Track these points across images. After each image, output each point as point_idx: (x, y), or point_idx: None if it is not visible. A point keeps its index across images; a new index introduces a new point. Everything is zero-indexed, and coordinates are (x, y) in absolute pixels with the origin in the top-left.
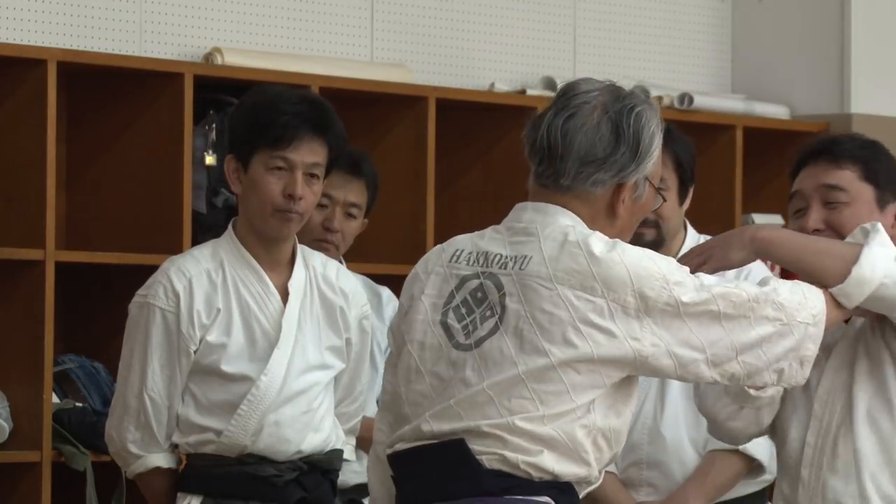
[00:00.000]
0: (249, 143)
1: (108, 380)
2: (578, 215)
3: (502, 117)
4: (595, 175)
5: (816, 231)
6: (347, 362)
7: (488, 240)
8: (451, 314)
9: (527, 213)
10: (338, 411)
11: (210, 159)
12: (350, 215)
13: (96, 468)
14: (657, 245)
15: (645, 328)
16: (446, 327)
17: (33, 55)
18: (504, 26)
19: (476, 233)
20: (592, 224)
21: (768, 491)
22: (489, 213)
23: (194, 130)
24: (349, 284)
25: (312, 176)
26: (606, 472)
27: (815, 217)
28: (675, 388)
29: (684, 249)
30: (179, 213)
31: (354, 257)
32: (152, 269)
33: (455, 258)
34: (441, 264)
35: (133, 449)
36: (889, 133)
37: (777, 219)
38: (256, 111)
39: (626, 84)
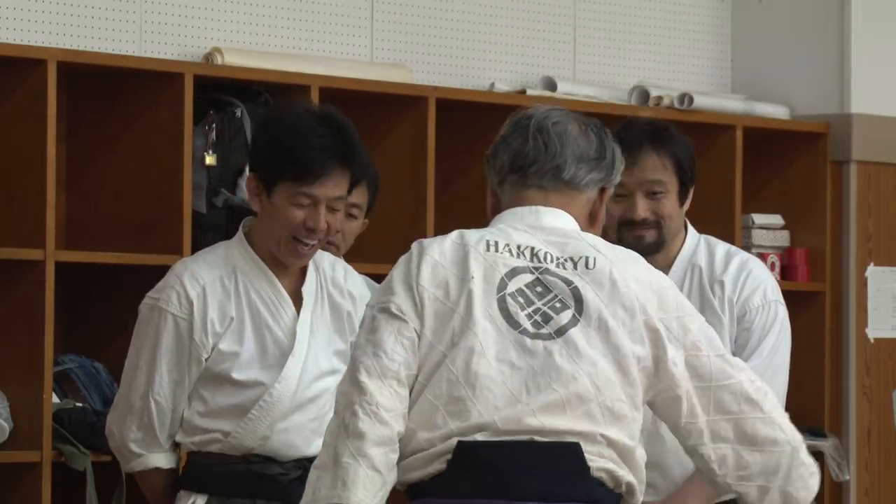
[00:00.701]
0: (273, 172)
1: (108, 380)
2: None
3: (502, 117)
4: (591, 174)
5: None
6: None
7: (519, 235)
8: (509, 300)
9: (546, 217)
10: None
11: (210, 159)
12: (351, 215)
13: (96, 468)
14: (658, 246)
15: (679, 359)
16: (507, 314)
17: (33, 55)
18: (504, 26)
19: (486, 229)
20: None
21: None
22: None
23: (194, 130)
24: (357, 287)
25: (335, 208)
26: None
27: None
28: None
29: (684, 250)
30: (179, 213)
31: (354, 257)
32: (152, 269)
33: (492, 248)
34: (478, 252)
35: (134, 448)
36: (889, 133)
37: (777, 219)
38: (283, 139)
39: (627, 84)
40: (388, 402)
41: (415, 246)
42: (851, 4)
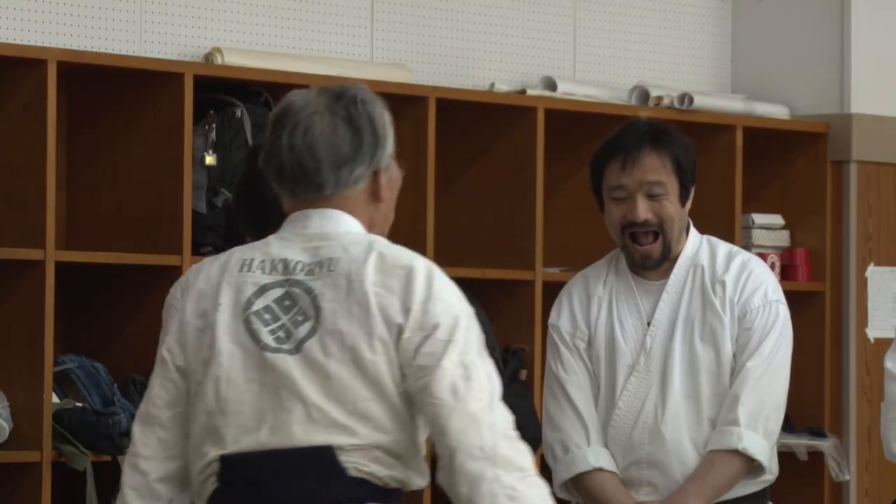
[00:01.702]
0: None
1: (108, 380)
2: (356, 216)
3: (502, 117)
4: (353, 173)
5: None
6: None
7: (279, 247)
8: (254, 319)
9: (313, 220)
10: None
11: (210, 159)
12: None
13: (96, 468)
14: (665, 256)
15: (414, 341)
16: (252, 332)
17: (33, 55)
18: (504, 26)
19: (255, 244)
20: (362, 215)
21: (770, 491)
22: (489, 212)
23: (194, 130)
24: None
25: None
26: (607, 471)
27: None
28: (677, 388)
29: (687, 250)
30: (179, 213)
31: None
32: (152, 269)
33: (246, 267)
34: (231, 275)
35: None
36: (889, 133)
37: (777, 219)
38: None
39: (627, 84)
40: (148, 450)
41: (187, 274)
42: (851, 5)
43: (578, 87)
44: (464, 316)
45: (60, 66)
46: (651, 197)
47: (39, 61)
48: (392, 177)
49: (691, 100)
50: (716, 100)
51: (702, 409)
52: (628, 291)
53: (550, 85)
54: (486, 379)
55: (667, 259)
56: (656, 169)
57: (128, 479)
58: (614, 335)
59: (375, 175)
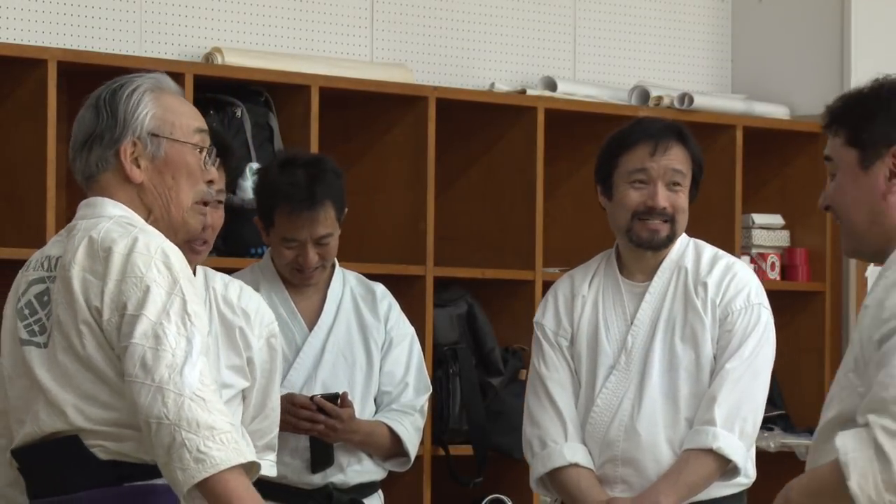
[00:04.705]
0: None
1: None
2: (117, 199)
3: (502, 117)
4: (91, 155)
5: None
6: (252, 381)
7: (52, 244)
8: (16, 317)
9: (80, 211)
10: (251, 428)
11: None
12: (322, 244)
13: None
14: (670, 241)
15: (113, 321)
16: (18, 329)
17: (33, 55)
18: (504, 26)
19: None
20: (124, 199)
21: (745, 495)
22: (489, 213)
23: None
24: (252, 305)
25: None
26: (582, 467)
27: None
28: (654, 388)
29: (673, 252)
30: None
31: (353, 257)
32: None
33: (27, 266)
34: (20, 273)
35: None
36: None
37: (777, 219)
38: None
39: (627, 84)
40: None
41: None
42: (851, 4)
43: (578, 87)
44: (158, 286)
45: (60, 66)
46: (671, 185)
47: (39, 61)
48: (157, 156)
49: (691, 100)
50: (716, 100)
51: (679, 409)
52: (615, 293)
53: (550, 85)
54: (183, 342)
55: (669, 245)
56: (682, 160)
57: None
58: (598, 334)
59: (117, 156)
